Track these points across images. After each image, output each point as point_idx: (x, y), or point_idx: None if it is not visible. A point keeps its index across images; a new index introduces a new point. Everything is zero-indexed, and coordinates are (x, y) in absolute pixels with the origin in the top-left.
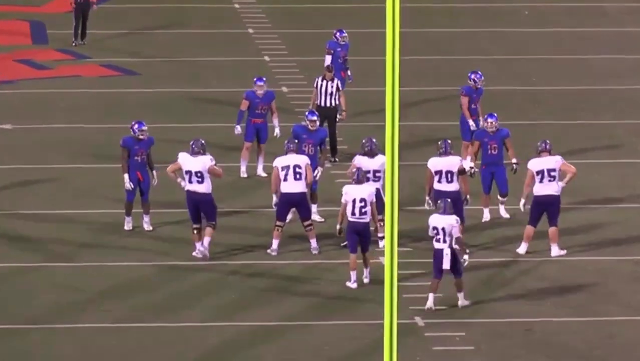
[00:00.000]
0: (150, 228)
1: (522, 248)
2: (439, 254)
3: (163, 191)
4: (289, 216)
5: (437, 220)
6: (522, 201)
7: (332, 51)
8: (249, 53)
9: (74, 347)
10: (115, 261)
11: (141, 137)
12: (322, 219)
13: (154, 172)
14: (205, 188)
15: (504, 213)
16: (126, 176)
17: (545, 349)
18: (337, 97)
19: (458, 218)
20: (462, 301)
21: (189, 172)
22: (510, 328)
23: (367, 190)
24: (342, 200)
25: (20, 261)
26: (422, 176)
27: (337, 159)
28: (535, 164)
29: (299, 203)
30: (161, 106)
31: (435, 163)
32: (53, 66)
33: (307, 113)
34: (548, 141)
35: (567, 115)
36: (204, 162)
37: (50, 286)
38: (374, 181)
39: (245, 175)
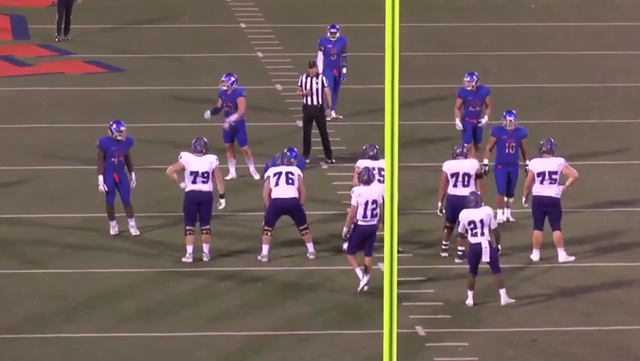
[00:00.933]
0: (137, 233)
1: (535, 255)
2: (476, 249)
3: (149, 193)
4: None
5: (473, 214)
6: (524, 199)
7: (322, 47)
8: (241, 49)
9: (58, 357)
10: (100, 267)
11: (119, 138)
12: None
13: (133, 174)
14: (209, 187)
15: (509, 216)
16: (100, 177)
17: (552, 359)
18: (322, 94)
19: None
20: (504, 298)
21: (194, 173)
22: (516, 338)
23: (377, 191)
24: (353, 202)
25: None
26: (423, 178)
27: (333, 160)
28: (537, 164)
29: (292, 209)
30: (149, 104)
31: (451, 166)
32: (34, 62)
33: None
34: (552, 140)
35: (576, 114)
36: (210, 161)
37: (31, 293)
38: (380, 181)
39: (234, 176)
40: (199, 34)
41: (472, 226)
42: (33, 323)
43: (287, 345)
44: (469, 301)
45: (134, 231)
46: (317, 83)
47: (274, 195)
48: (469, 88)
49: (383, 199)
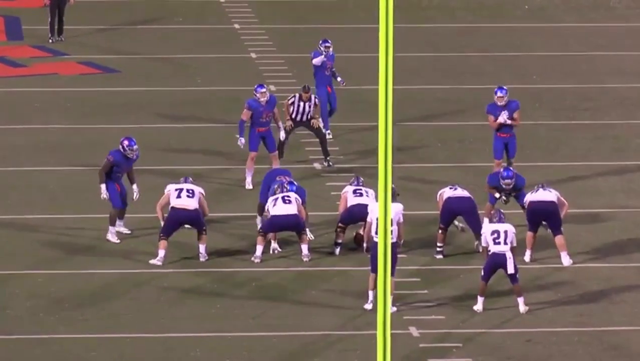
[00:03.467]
0: (129, 231)
1: (527, 256)
2: (498, 259)
3: (142, 194)
4: None
5: (497, 225)
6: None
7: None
8: (234, 50)
9: (52, 358)
10: (94, 268)
11: (129, 155)
12: (312, 237)
13: (135, 185)
14: (195, 203)
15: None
16: (103, 186)
17: (547, 360)
18: (313, 111)
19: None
20: (522, 307)
21: (179, 190)
22: (510, 338)
23: (394, 207)
24: (368, 219)
25: None
26: (417, 179)
27: (330, 163)
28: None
29: (293, 226)
30: (143, 105)
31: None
32: (28, 63)
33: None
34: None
35: (570, 115)
36: (196, 187)
37: (25, 294)
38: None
39: (251, 187)
40: (192, 35)
41: (495, 235)
42: (27, 324)
43: (281, 346)
44: (479, 306)
45: (124, 231)
46: (309, 106)
47: (273, 213)
48: (500, 104)
49: (397, 216)
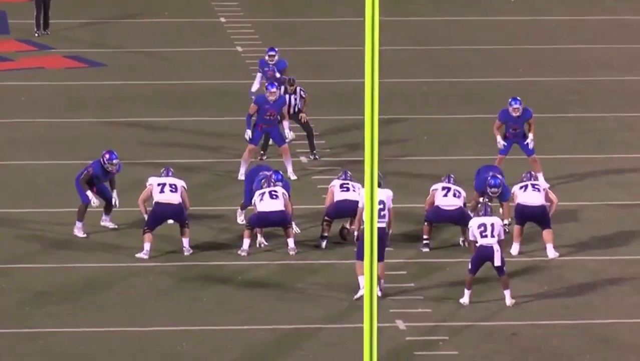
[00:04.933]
0: (115, 226)
1: (514, 249)
2: (485, 251)
3: (129, 188)
4: None
5: (484, 219)
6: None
7: (261, 70)
8: (220, 43)
9: (40, 352)
10: (81, 262)
11: (109, 169)
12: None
13: (115, 192)
14: (178, 197)
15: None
16: (89, 193)
17: (533, 354)
18: (300, 104)
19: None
20: (509, 300)
21: (162, 184)
22: (496, 331)
23: (385, 193)
24: (360, 204)
25: None
26: (403, 172)
27: (317, 157)
28: (517, 185)
29: (280, 221)
30: (129, 99)
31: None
32: (14, 57)
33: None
34: (534, 174)
35: (556, 108)
36: (178, 181)
37: (13, 288)
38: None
39: (243, 177)
40: (178, 29)
41: (482, 228)
42: (15, 319)
43: (267, 339)
44: (465, 299)
45: (111, 225)
46: (295, 99)
47: (259, 209)
48: (515, 115)
49: (389, 201)
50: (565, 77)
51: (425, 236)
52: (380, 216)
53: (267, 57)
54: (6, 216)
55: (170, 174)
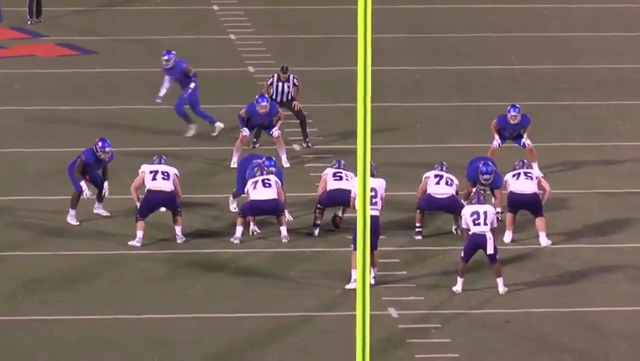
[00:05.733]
0: (107, 214)
1: (507, 237)
2: (478, 239)
3: (121, 175)
4: None
5: (477, 207)
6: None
7: (166, 73)
8: (213, 31)
9: (31, 340)
10: (73, 250)
11: (102, 157)
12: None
13: (106, 183)
14: (170, 185)
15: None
16: (83, 183)
17: (525, 341)
18: (293, 92)
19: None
20: (502, 288)
21: (154, 172)
22: (488, 319)
23: (377, 181)
24: (352, 193)
25: None
26: (395, 160)
27: (310, 144)
28: (510, 173)
29: (273, 210)
30: (121, 86)
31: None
32: (7, 45)
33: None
34: (526, 161)
35: (548, 95)
36: (171, 168)
37: (4, 276)
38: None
39: (235, 165)
40: (170, 16)
41: (475, 216)
42: (6, 306)
43: (260, 327)
44: (458, 287)
45: (104, 213)
46: (287, 86)
47: (252, 197)
48: (514, 122)
49: (381, 190)
50: (557, 65)
51: (417, 224)
52: (372, 204)
53: (163, 61)
54: None
55: (162, 161)
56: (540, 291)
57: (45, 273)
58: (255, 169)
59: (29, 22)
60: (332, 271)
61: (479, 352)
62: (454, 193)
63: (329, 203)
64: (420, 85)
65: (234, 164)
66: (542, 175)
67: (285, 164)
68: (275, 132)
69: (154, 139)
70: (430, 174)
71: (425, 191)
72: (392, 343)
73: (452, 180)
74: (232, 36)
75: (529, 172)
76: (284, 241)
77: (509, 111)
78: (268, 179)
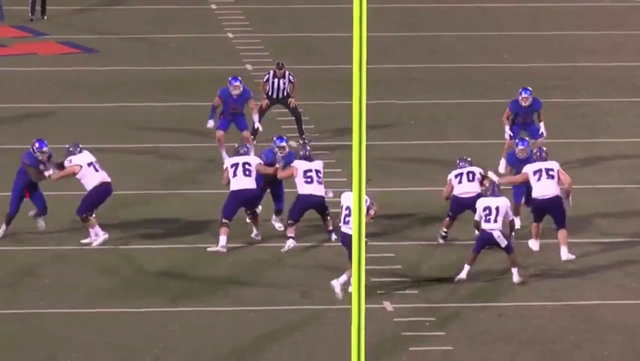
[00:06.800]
0: (43, 226)
1: (534, 245)
2: (487, 236)
3: (122, 172)
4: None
5: (490, 200)
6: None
7: None
8: (211, 30)
9: (31, 333)
10: (72, 245)
11: (40, 157)
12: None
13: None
14: (253, 182)
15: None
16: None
17: (518, 334)
18: (289, 88)
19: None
20: (516, 277)
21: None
22: (482, 312)
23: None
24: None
25: None
26: (391, 157)
27: (305, 141)
28: (530, 167)
29: (251, 200)
30: (121, 84)
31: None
32: (9, 43)
33: (275, 139)
34: (544, 149)
35: (540, 93)
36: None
37: (5, 270)
38: (318, 182)
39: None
40: (169, 15)
41: (487, 212)
42: (6, 300)
43: (257, 320)
44: (463, 275)
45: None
46: (283, 83)
47: (233, 187)
48: (525, 104)
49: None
50: (549, 62)
51: (444, 229)
52: (344, 222)
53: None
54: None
55: (245, 150)
56: (534, 285)
57: (39, 267)
58: (237, 145)
59: (31, 20)
60: (330, 265)
61: (472, 345)
62: (479, 191)
63: (302, 211)
64: (414, 82)
65: (226, 160)
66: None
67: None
68: (257, 124)
69: (154, 135)
70: (452, 175)
71: (451, 193)
72: (387, 336)
73: (473, 173)
74: (230, 34)
75: (551, 169)
76: (257, 238)
77: (520, 94)
78: (249, 164)
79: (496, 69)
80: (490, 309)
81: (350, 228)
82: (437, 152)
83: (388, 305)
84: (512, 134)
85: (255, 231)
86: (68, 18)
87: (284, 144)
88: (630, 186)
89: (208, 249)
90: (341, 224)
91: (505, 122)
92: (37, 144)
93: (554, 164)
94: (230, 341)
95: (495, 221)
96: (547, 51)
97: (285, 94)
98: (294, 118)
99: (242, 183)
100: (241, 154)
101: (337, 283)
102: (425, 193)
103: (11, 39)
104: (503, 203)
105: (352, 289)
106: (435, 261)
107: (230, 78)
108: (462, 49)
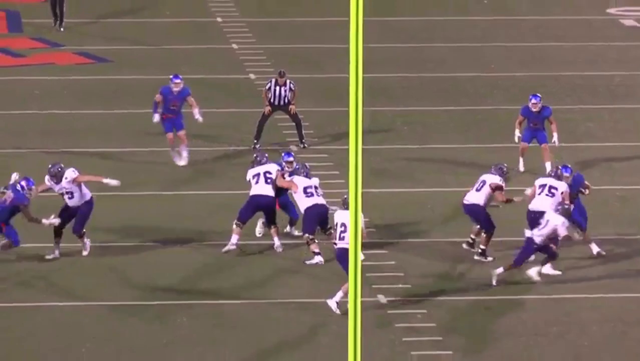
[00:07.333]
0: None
1: (595, 248)
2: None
3: (129, 173)
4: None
5: (545, 205)
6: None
7: None
8: (217, 41)
9: (48, 326)
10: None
11: (28, 195)
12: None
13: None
14: (272, 190)
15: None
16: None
17: (504, 326)
18: (290, 96)
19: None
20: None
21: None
22: (470, 306)
23: (346, 215)
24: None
25: None
26: (384, 159)
27: (305, 145)
28: (540, 180)
29: (266, 206)
30: (133, 91)
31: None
32: (28, 54)
33: (283, 154)
34: (561, 172)
35: (525, 100)
36: (272, 166)
37: (21, 268)
38: (318, 195)
39: (183, 163)
40: (179, 28)
41: (539, 224)
42: (22, 293)
43: (262, 313)
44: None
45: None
46: (284, 90)
47: (253, 192)
48: (535, 110)
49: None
50: (533, 72)
51: (472, 236)
52: (340, 238)
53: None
54: None
55: (265, 160)
56: (518, 281)
57: (58, 263)
58: (255, 155)
59: (54, 25)
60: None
61: (461, 335)
62: (480, 202)
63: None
64: (408, 90)
65: (177, 160)
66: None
67: (182, 162)
68: (198, 115)
69: (162, 139)
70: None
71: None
72: (381, 327)
73: (483, 182)
74: (235, 46)
75: (555, 188)
76: (278, 250)
77: (530, 99)
78: (270, 173)
79: (483, 78)
80: (478, 302)
81: (346, 243)
82: (428, 155)
83: (382, 298)
84: (520, 136)
85: (277, 243)
86: (83, 30)
87: (291, 159)
88: (610, 187)
89: (223, 250)
90: (336, 240)
91: (517, 126)
92: (24, 182)
93: (561, 185)
94: (232, 332)
95: (540, 232)
96: (530, 61)
97: (286, 101)
98: (294, 124)
99: (262, 189)
100: (262, 164)
101: (332, 302)
102: (416, 193)
103: (30, 50)
104: (556, 221)
105: (349, 282)
106: (428, 256)
107: (171, 76)
108: (452, 60)
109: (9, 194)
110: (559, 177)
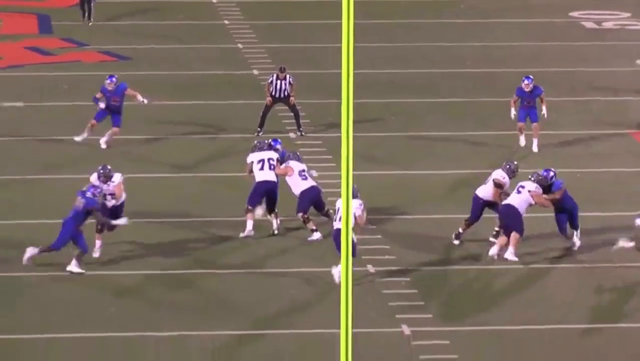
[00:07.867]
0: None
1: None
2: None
3: (144, 163)
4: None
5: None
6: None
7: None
8: (225, 41)
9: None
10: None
11: (100, 199)
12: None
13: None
14: (274, 175)
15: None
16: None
17: (483, 293)
18: (289, 89)
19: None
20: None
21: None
22: (450, 274)
23: (354, 203)
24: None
25: None
26: (373, 146)
27: (303, 133)
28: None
29: (272, 190)
30: (151, 87)
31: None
32: (57, 52)
33: (107, 77)
34: (541, 174)
35: (497, 93)
36: (274, 153)
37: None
38: (311, 177)
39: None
40: (190, 29)
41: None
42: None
43: (258, 280)
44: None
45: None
46: (284, 84)
47: (258, 178)
48: (527, 90)
49: (358, 210)
50: (503, 68)
51: (496, 228)
52: (339, 220)
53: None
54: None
55: (266, 147)
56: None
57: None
58: (256, 142)
59: (83, 20)
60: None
61: (441, 301)
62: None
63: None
64: (395, 84)
65: (103, 144)
66: (537, 188)
67: (103, 145)
68: (140, 98)
69: (175, 129)
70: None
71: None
72: (369, 293)
73: (522, 187)
74: (240, 45)
75: (522, 187)
76: (276, 232)
77: (523, 81)
78: (272, 159)
79: (460, 74)
80: (461, 272)
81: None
82: (411, 142)
83: (370, 268)
84: (516, 114)
85: (275, 225)
86: (107, 32)
87: (278, 146)
88: (573, 170)
89: (240, 235)
90: (335, 222)
91: (512, 105)
92: (92, 189)
93: (528, 185)
94: (237, 302)
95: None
96: (501, 59)
97: (286, 94)
98: (293, 114)
99: (267, 175)
100: (264, 150)
101: (336, 272)
102: (401, 175)
103: (59, 49)
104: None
105: (342, 254)
106: (425, 248)
107: (108, 76)
108: (436, 58)
109: (80, 200)
110: (533, 180)
